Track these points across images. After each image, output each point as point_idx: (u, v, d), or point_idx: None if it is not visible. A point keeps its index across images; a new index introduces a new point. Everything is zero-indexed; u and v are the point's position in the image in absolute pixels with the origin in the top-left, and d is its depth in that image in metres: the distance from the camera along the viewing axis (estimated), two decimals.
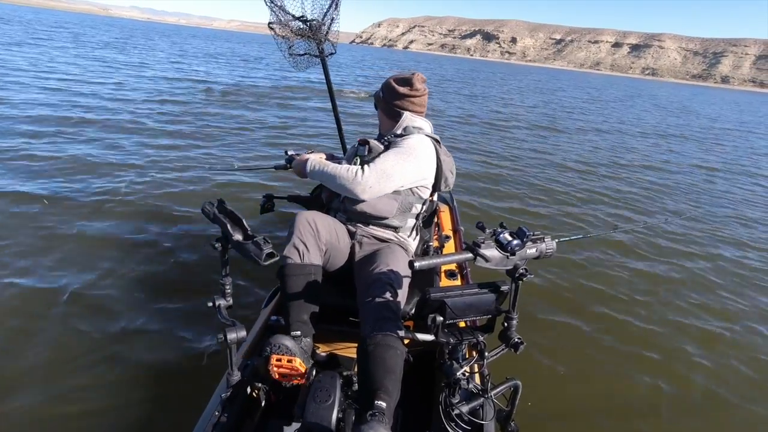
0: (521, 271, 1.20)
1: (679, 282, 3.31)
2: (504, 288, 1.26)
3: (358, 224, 1.73)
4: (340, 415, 1.15)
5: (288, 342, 1.33)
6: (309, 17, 2.20)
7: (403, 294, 1.53)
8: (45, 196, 3.73)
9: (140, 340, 2.26)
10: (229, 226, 1.14)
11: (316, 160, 1.70)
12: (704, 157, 9.53)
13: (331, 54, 2.37)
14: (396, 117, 1.80)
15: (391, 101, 1.80)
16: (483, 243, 1.16)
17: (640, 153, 9.06)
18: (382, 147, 1.73)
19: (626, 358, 2.40)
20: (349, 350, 1.71)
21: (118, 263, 2.91)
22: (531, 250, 1.20)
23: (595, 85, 47.76)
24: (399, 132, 1.79)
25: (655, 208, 5.28)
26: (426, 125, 1.82)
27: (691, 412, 2.11)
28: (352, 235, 1.73)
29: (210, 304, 1.22)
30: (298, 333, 1.43)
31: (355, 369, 1.51)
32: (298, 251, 1.55)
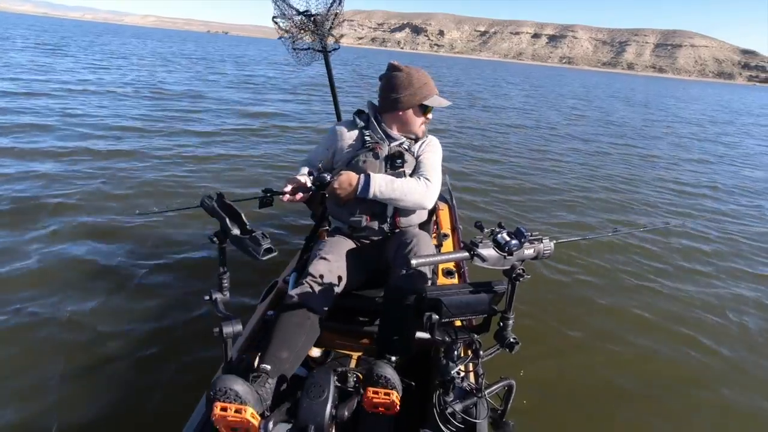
0: (518, 271, 1.16)
1: (678, 287, 3.23)
2: (500, 288, 1.23)
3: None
4: (333, 411, 1.13)
5: (238, 386, 1.07)
6: (313, 12, 2.19)
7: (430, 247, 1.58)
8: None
9: (135, 333, 2.25)
10: (227, 221, 1.12)
11: (379, 176, 1.52)
12: (708, 156, 8.94)
13: (335, 49, 2.36)
14: (425, 115, 1.70)
15: (423, 100, 1.67)
16: (481, 242, 1.14)
17: (640, 151, 8.64)
18: (410, 156, 1.66)
19: (621, 359, 2.40)
20: (344, 347, 1.68)
21: (113, 259, 2.92)
22: (528, 251, 1.17)
23: (530, 76, 49.93)
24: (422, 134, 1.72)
25: (657, 211, 5.03)
26: None
27: (690, 413, 2.07)
28: (372, 255, 1.70)
29: (207, 297, 1.19)
30: (268, 368, 1.26)
31: (350, 365, 1.52)
32: (307, 294, 1.45)
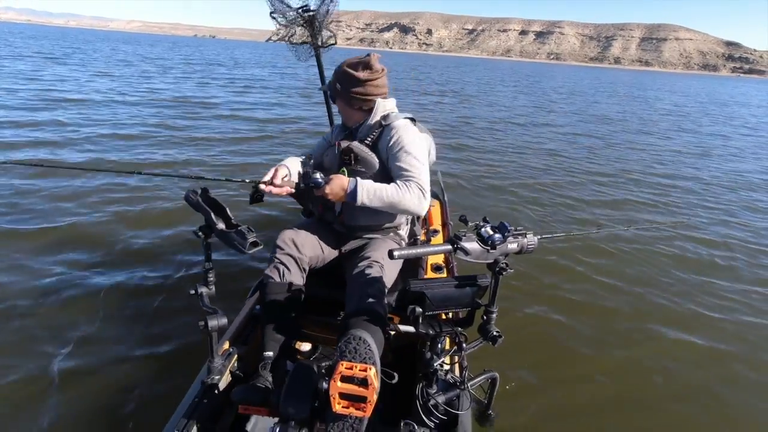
0: (501, 265, 1.18)
1: (662, 282, 3.26)
2: (484, 281, 1.25)
3: (357, 233, 1.68)
4: (316, 405, 1.13)
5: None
6: (312, 8, 2.28)
7: (390, 277, 1.54)
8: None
9: (120, 326, 2.26)
10: (212, 215, 1.13)
11: (366, 182, 1.44)
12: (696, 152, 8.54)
13: (332, 45, 2.42)
14: (363, 106, 1.63)
15: (352, 90, 1.61)
16: (464, 236, 1.15)
17: (627, 150, 8.42)
18: (368, 152, 1.56)
19: (605, 352, 2.42)
20: (332, 342, 1.68)
21: (98, 254, 2.95)
22: (512, 245, 1.18)
23: (519, 72, 49.87)
24: (376, 121, 1.62)
25: (643, 209, 5.03)
26: (394, 104, 1.71)
27: (673, 404, 2.07)
28: (342, 238, 1.69)
29: (192, 292, 1.21)
30: (270, 354, 1.40)
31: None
32: (279, 271, 1.52)
